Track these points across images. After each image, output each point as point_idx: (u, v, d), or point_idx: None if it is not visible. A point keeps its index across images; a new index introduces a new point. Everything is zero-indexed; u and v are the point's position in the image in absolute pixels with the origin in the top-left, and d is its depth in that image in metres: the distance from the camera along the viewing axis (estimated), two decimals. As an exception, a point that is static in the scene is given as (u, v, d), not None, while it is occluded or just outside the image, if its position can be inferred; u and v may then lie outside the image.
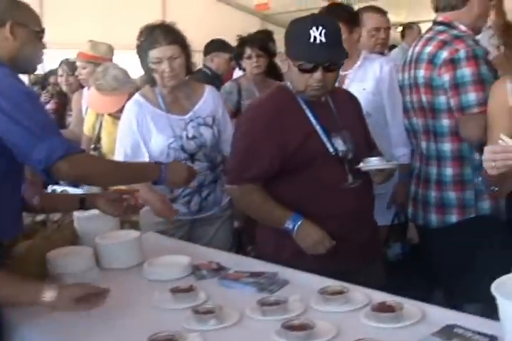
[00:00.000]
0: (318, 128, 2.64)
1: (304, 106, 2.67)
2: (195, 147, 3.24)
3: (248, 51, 4.83)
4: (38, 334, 2.15)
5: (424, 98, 3.00)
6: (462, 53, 2.83)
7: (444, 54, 2.86)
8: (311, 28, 2.49)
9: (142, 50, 3.18)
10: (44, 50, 2.41)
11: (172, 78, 3.15)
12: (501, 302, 1.59)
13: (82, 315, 2.09)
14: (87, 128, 4.32)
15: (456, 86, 2.84)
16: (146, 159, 3.21)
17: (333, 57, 2.58)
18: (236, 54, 5.02)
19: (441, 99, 2.91)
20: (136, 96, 3.32)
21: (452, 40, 2.90)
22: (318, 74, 2.54)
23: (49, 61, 11.28)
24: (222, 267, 2.59)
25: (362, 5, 12.06)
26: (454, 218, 3.00)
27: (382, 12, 4.01)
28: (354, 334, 1.85)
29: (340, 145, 2.65)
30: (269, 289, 2.32)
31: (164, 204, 3.16)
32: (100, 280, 2.45)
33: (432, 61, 2.93)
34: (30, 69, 2.43)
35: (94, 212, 2.77)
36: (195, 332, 1.96)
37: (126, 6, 11.47)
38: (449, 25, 2.99)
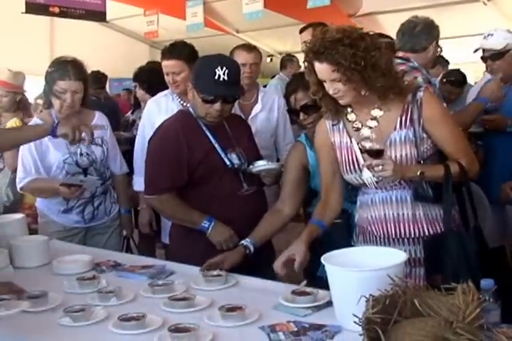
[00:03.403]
0: (216, 145, 3.20)
1: (204, 128, 3.22)
2: (88, 163, 3.79)
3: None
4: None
5: None
6: (420, 79, 3.50)
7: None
8: (217, 67, 3.05)
9: (51, 78, 3.69)
10: None
11: (68, 109, 3.71)
12: (328, 268, 2.19)
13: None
14: None
15: None
16: (44, 174, 3.72)
17: (231, 93, 3.16)
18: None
19: None
20: (35, 119, 3.87)
21: (411, 70, 3.57)
22: (217, 106, 3.11)
23: None
24: (118, 264, 3.09)
25: (251, 34, 12.72)
26: None
27: (249, 49, 4.46)
28: (228, 302, 2.37)
29: (235, 159, 3.23)
30: (158, 277, 2.84)
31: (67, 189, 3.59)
32: (14, 276, 2.90)
33: None
34: None
35: (7, 219, 3.25)
36: (99, 306, 2.46)
37: (12, 30, 11.55)
38: (406, 60, 3.68)
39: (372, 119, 2.72)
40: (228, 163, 3.20)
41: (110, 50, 13.00)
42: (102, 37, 13.07)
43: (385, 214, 2.75)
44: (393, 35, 4.21)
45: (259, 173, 3.26)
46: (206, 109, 3.13)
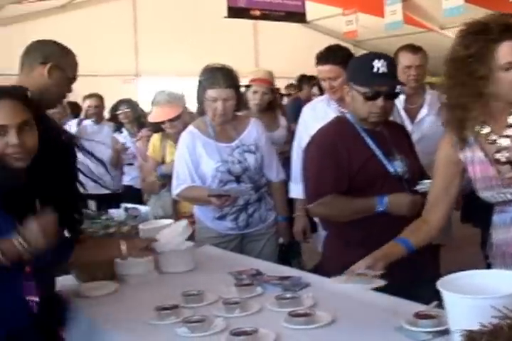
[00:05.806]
0: (378, 152, 3.06)
1: (363, 134, 3.08)
2: (240, 170, 3.77)
3: None
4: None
5: None
6: None
7: None
8: (374, 60, 2.94)
9: (201, 86, 3.75)
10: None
11: (221, 117, 3.73)
12: (445, 295, 2.00)
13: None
14: (151, 151, 4.77)
15: None
16: (198, 183, 3.75)
17: (393, 85, 3.03)
18: None
19: None
20: (190, 127, 3.90)
21: None
22: (380, 101, 2.96)
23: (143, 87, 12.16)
24: (259, 273, 3.08)
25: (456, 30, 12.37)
26: None
27: (414, 50, 4.22)
28: (349, 321, 2.32)
29: (398, 166, 3.07)
30: (292, 289, 2.79)
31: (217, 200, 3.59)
32: (158, 281, 3.04)
33: None
34: (48, 105, 2.87)
35: (159, 224, 3.36)
36: (220, 317, 2.46)
37: (219, 35, 12.14)
38: None
39: (509, 127, 2.38)
40: (392, 169, 3.04)
41: (313, 51, 13.07)
42: (303, 38, 13.19)
43: None
44: None
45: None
46: (369, 107, 2.98)
